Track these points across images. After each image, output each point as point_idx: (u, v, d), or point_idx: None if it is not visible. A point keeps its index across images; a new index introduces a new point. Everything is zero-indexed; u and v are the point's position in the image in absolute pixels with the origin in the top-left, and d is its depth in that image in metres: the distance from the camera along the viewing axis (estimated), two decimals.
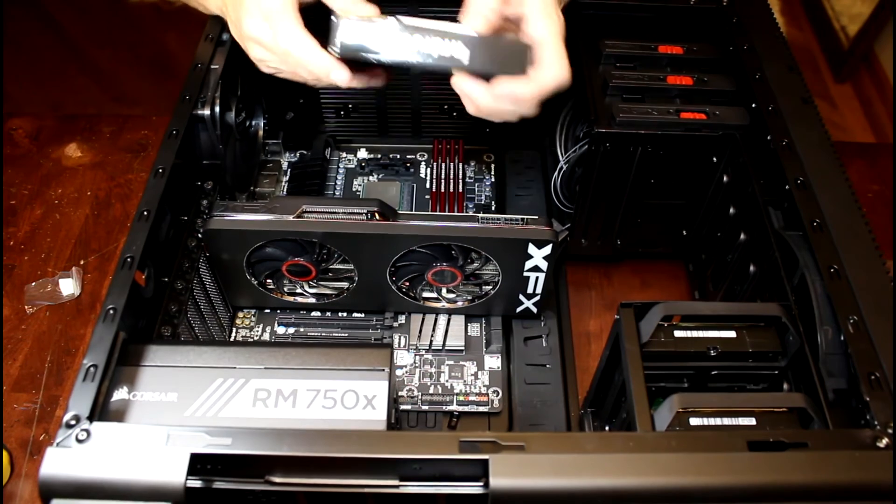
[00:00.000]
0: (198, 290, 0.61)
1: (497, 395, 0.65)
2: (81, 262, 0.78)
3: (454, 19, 0.54)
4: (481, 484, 0.40)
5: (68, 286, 0.75)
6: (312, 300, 0.68)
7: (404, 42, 0.52)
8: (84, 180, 0.86)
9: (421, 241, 0.60)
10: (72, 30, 1.60)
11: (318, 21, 0.55)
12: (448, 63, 0.52)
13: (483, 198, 0.81)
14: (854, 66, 1.73)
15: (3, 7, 1.49)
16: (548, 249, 0.60)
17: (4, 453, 0.62)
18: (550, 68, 0.53)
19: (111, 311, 0.46)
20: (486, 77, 0.53)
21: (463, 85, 0.54)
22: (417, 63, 0.52)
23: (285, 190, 0.80)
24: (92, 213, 0.83)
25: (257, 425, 0.44)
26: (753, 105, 0.62)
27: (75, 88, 1.45)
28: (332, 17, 0.52)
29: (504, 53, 0.53)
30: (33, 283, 0.76)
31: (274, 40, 0.54)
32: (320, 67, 0.54)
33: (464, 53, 0.52)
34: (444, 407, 0.65)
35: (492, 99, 0.54)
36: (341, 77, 0.54)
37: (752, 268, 0.59)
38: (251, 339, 0.69)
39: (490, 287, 0.66)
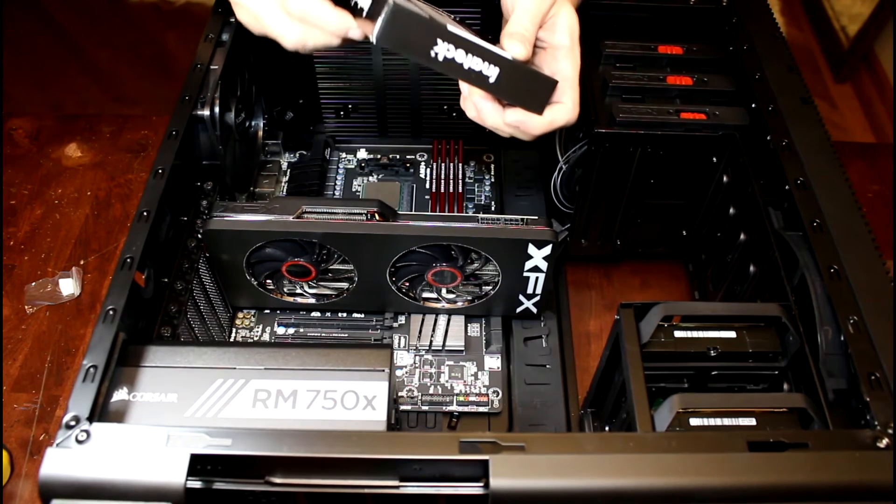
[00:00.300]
0: (197, 290, 0.61)
1: (497, 396, 0.65)
2: (81, 262, 0.78)
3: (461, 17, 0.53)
4: (481, 484, 0.40)
5: (68, 286, 0.75)
6: (312, 300, 0.68)
7: (442, 49, 0.49)
8: (84, 180, 0.86)
9: (421, 242, 0.60)
10: (72, 30, 1.60)
11: None
12: (472, 79, 0.51)
13: (483, 198, 0.81)
14: (854, 66, 1.73)
15: (3, 7, 1.49)
16: (547, 250, 0.60)
17: (4, 453, 0.62)
18: (564, 108, 0.53)
19: (111, 312, 0.46)
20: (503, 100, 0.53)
21: (476, 97, 0.53)
22: (443, 70, 0.50)
23: (285, 190, 0.80)
24: (92, 213, 0.83)
25: (257, 426, 0.44)
26: (753, 105, 0.62)
27: (75, 88, 1.45)
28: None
29: (530, 87, 0.52)
30: (33, 283, 0.76)
31: (282, 5, 0.52)
32: (339, 27, 0.51)
33: (492, 73, 0.50)
34: (444, 407, 0.65)
35: (500, 121, 0.54)
36: (358, 34, 0.52)
37: (752, 268, 0.59)
38: (251, 340, 0.69)
39: (490, 287, 0.66)
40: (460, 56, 0.49)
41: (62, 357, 0.71)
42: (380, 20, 0.47)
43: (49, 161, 0.88)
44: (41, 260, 0.78)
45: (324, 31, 0.52)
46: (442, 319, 0.69)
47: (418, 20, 0.48)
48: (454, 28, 0.49)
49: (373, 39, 0.48)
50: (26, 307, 0.74)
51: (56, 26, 1.60)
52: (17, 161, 0.88)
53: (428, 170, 0.83)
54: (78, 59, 1.53)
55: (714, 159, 0.65)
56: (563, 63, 0.53)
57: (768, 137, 0.58)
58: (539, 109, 0.53)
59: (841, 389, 0.45)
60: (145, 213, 0.52)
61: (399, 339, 0.69)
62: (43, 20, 1.61)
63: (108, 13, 1.63)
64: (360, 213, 0.60)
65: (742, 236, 0.61)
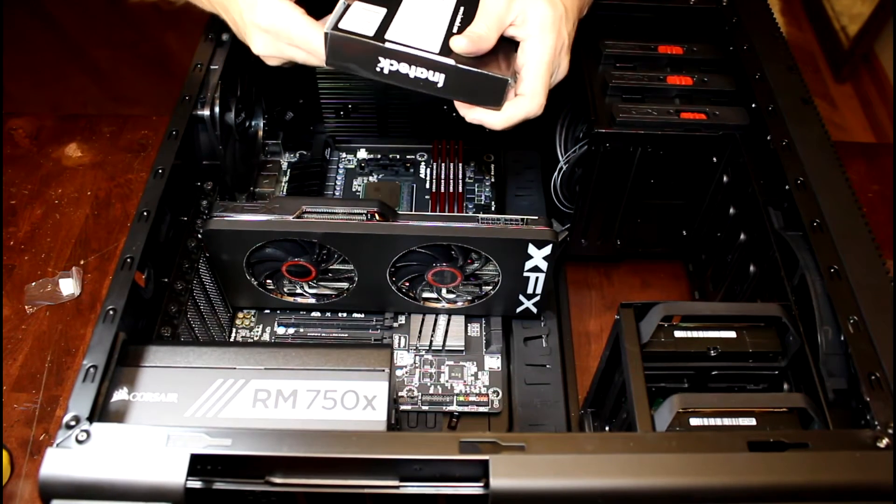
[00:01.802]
0: (198, 290, 0.61)
1: (497, 396, 0.65)
2: (81, 262, 0.78)
3: None
4: (481, 484, 0.40)
5: (68, 286, 0.75)
6: (312, 300, 0.68)
7: (385, 64, 0.52)
8: (84, 180, 0.86)
9: (421, 242, 0.60)
10: (72, 30, 1.60)
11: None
12: (422, 86, 0.53)
13: (483, 198, 0.81)
14: (854, 66, 1.73)
15: (3, 7, 1.49)
16: (548, 250, 0.60)
17: (4, 453, 0.62)
18: (523, 101, 0.54)
19: (111, 312, 0.46)
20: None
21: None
22: (392, 82, 0.53)
23: (285, 190, 0.80)
24: (92, 213, 0.83)
25: (257, 426, 0.44)
26: (753, 105, 0.62)
27: (75, 88, 1.46)
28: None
29: (478, 86, 0.53)
30: (33, 283, 0.76)
31: (281, 26, 0.54)
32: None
33: (439, 79, 0.53)
34: (444, 407, 0.65)
35: (463, 115, 0.56)
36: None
37: (752, 268, 0.59)
38: (251, 340, 0.69)
39: (490, 287, 0.66)
40: (405, 68, 0.53)
41: (62, 357, 0.71)
42: (326, 48, 0.52)
43: (49, 161, 0.88)
44: (41, 260, 0.78)
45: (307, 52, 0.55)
46: (442, 319, 0.69)
47: (357, 43, 0.52)
48: (393, 44, 0.52)
49: (325, 65, 0.54)
50: (26, 307, 0.74)
51: (56, 26, 1.61)
52: (17, 161, 0.88)
53: (428, 170, 0.83)
54: (78, 59, 1.53)
55: (714, 159, 0.65)
56: (527, 55, 0.54)
57: (768, 137, 0.58)
58: (497, 106, 0.54)
59: (841, 389, 0.45)
60: (145, 213, 0.52)
61: (399, 339, 0.69)
62: (43, 20, 1.61)
63: (108, 13, 1.63)
64: (360, 213, 0.60)
65: (742, 236, 0.61)
